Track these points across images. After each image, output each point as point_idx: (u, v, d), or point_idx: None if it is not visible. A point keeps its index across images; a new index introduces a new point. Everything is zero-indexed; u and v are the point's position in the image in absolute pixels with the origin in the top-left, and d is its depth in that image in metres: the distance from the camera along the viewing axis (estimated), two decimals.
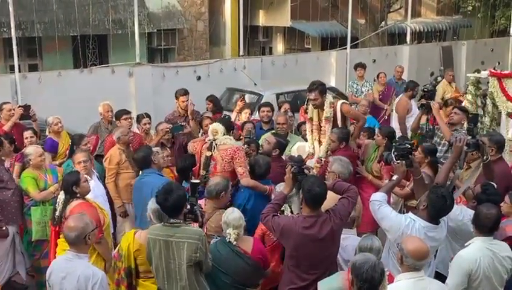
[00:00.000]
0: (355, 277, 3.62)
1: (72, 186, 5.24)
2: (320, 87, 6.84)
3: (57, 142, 7.68)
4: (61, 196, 5.31)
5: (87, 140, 6.96)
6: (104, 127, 8.23)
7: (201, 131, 8.07)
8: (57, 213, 5.28)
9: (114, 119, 8.15)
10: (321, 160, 6.77)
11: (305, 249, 4.41)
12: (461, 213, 4.81)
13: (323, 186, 4.44)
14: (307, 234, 4.37)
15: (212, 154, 6.18)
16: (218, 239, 4.82)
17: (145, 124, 8.00)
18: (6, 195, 6.27)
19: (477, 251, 4.35)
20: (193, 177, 5.95)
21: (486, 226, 4.41)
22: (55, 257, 5.27)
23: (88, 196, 5.54)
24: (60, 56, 12.42)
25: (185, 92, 8.60)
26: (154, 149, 6.43)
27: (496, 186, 4.95)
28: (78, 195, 5.28)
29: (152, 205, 4.73)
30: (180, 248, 4.28)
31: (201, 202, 5.40)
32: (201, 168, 6.22)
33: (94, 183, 6.13)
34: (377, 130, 7.17)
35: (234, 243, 4.60)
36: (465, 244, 4.50)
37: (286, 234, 4.46)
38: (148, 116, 8.14)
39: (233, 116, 8.52)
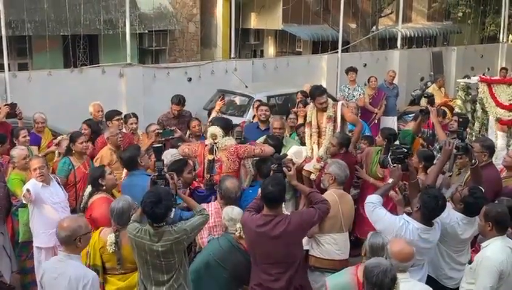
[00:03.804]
0: (365, 279, 3.67)
1: (98, 179, 5.56)
2: (325, 90, 7.17)
3: (40, 137, 7.84)
4: (88, 189, 5.66)
5: (83, 138, 6.92)
6: None
7: (188, 132, 8.03)
8: (82, 204, 5.62)
9: (104, 120, 8.12)
10: (321, 159, 6.80)
11: (259, 246, 4.56)
12: (448, 216, 4.85)
13: (279, 187, 4.56)
14: (260, 232, 4.51)
15: (214, 158, 6.22)
16: (220, 235, 4.95)
17: (131, 123, 7.97)
18: None
19: (502, 250, 4.41)
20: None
21: (506, 224, 4.51)
22: None
23: (47, 203, 5.84)
24: (50, 55, 12.33)
25: (179, 102, 8.55)
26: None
27: (483, 190, 4.99)
28: (104, 187, 5.55)
29: (114, 204, 4.87)
30: (167, 252, 4.34)
31: (206, 205, 5.39)
32: (205, 171, 6.23)
33: (53, 190, 6.06)
34: (379, 132, 7.29)
35: (244, 236, 4.73)
36: (483, 245, 4.55)
37: (245, 230, 4.67)
38: (135, 116, 8.10)
39: (213, 116, 8.47)
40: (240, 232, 4.77)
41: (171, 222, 4.51)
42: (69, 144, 6.88)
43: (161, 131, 7.53)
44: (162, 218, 4.33)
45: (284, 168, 4.97)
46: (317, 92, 7.07)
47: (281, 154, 6.74)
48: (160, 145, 5.43)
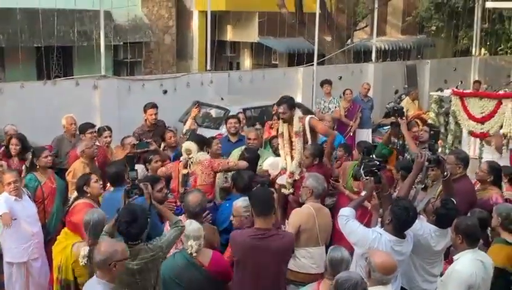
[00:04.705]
0: None
1: (83, 187, 5.65)
2: (289, 101, 6.95)
3: None
4: (74, 194, 5.81)
5: (47, 152, 6.82)
6: (67, 140, 8.09)
7: (162, 144, 8.00)
8: (66, 207, 5.86)
9: (77, 132, 8.02)
10: (293, 174, 6.79)
11: (251, 258, 4.56)
12: (421, 228, 4.88)
13: (268, 191, 4.82)
14: (253, 243, 4.54)
15: (188, 172, 6.26)
16: (177, 251, 4.84)
17: (106, 137, 7.91)
18: None
19: (471, 264, 4.44)
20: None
21: (477, 237, 4.56)
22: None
23: (20, 217, 5.83)
24: (23, 67, 12.18)
25: (153, 105, 8.55)
26: None
27: (455, 201, 5.04)
28: (88, 195, 5.63)
29: (89, 217, 4.82)
30: (143, 270, 4.29)
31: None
32: (180, 185, 6.25)
33: (25, 204, 6.03)
34: (356, 146, 7.35)
35: (194, 254, 4.62)
36: (454, 258, 4.60)
37: (234, 244, 4.69)
38: (109, 129, 8.04)
39: (188, 123, 8.47)
40: (191, 250, 4.62)
41: (147, 236, 4.44)
42: (32, 159, 6.77)
43: (137, 143, 7.48)
44: (137, 237, 4.29)
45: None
46: (278, 102, 7.07)
47: (257, 165, 6.80)
48: (133, 154, 5.38)
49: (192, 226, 4.75)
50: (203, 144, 6.83)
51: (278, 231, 4.69)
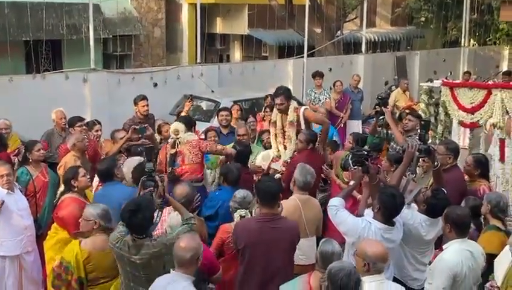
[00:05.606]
0: (330, 284, 3.67)
1: (71, 180, 5.58)
2: (286, 92, 7.08)
3: None
4: (61, 188, 5.79)
5: (40, 146, 6.79)
6: (58, 134, 8.07)
7: (159, 137, 8.01)
8: (54, 201, 5.84)
9: (67, 126, 7.99)
10: (287, 163, 6.83)
11: (258, 245, 4.60)
12: (412, 217, 4.92)
13: (276, 183, 4.89)
14: (261, 227, 4.61)
15: (176, 151, 6.32)
16: None
17: (96, 130, 7.89)
18: None
19: (458, 253, 4.47)
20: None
21: (466, 227, 4.58)
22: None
23: (13, 210, 5.77)
24: (11, 61, 12.07)
25: (144, 97, 8.59)
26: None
27: (446, 191, 5.08)
28: (75, 189, 5.56)
29: (97, 209, 4.79)
30: (146, 266, 4.27)
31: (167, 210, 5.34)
32: (167, 165, 6.33)
33: (17, 197, 6.00)
34: (348, 136, 7.44)
35: None
36: (444, 247, 4.62)
37: (239, 233, 4.70)
38: (99, 123, 8.03)
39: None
40: None
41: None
42: (24, 153, 6.74)
43: (137, 127, 7.42)
44: (142, 230, 4.26)
45: None
46: (274, 93, 7.20)
47: (248, 158, 6.81)
48: (151, 145, 5.35)
49: (177, 218, 4.75)
50: (191, 125, 6.92)
51: (282, 216, 4.77)
